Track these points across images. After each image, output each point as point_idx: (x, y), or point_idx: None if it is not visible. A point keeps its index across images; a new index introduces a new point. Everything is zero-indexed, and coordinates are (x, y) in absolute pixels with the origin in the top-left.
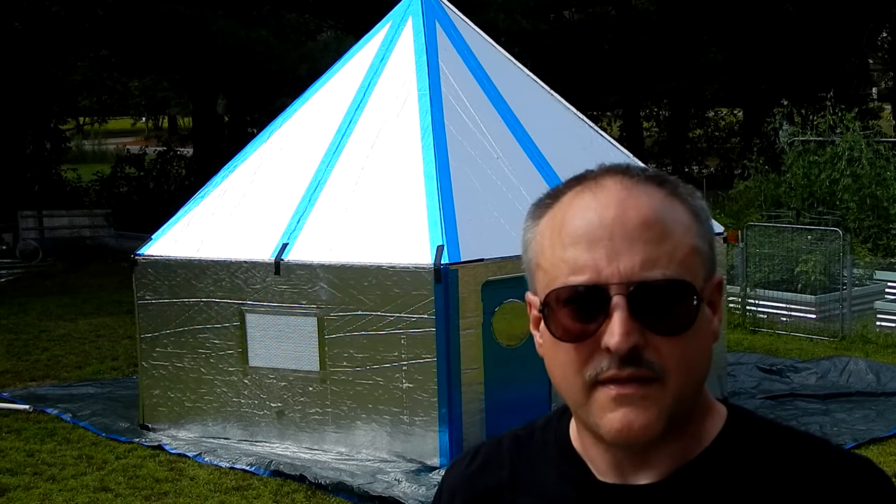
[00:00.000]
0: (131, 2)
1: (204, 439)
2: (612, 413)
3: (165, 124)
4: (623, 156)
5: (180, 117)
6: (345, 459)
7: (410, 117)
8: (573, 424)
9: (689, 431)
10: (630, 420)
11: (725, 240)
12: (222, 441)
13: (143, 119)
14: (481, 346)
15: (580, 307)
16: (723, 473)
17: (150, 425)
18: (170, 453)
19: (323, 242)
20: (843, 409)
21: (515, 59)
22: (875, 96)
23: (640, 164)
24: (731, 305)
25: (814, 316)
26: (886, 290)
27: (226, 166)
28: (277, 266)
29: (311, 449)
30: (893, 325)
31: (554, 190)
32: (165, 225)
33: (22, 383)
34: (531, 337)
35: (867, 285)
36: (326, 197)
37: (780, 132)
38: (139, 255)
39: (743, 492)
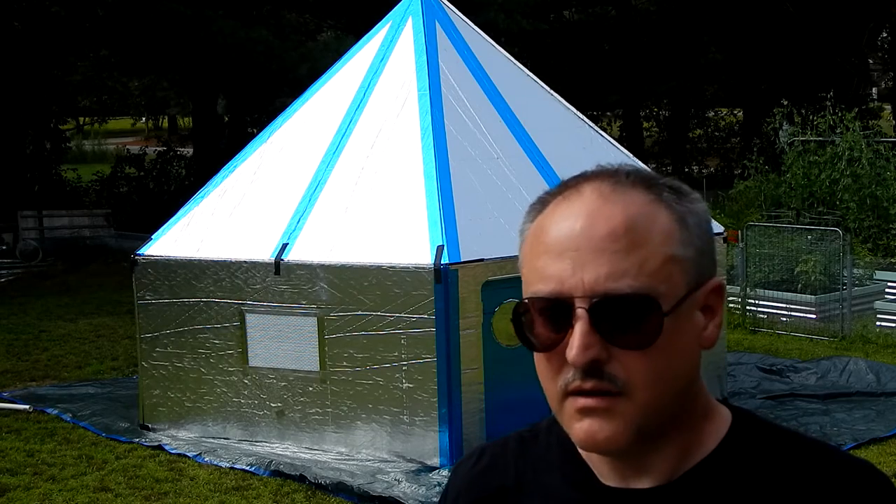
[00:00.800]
0: (131, 2)
1: (204, 439)
2: (578, 423)
3: (165, 124)
4: (623, 156)
5: (180, 117)
6: (345, 459)
7: (410, 117)
8: None
9: (688, 435)
10: (594, 431)
11: (725, 240)
12: (222, 441)
13: (143, 119)
14: (481, 346)
15: (549, 317)
16: (726, 478)
17: (150, 425)
18: (170, 453)
19: (323, 242)
20: (843, 409)
21: (515, 59)
22: (875, 96)
23: (640, 164)
24: (731, 305)
25: (814, 316)
26: (886, 290)
27: (226, 166)
28: (277, 266)
29: (311, 449)
30: (893, 325)
31: (546, 194)
32: (165, 225)
33: (22, 383)
34: None
35: (867, 285)
36: (326, 197)
37: (780, 132)
38: (139, 255)
39: (747, 497)
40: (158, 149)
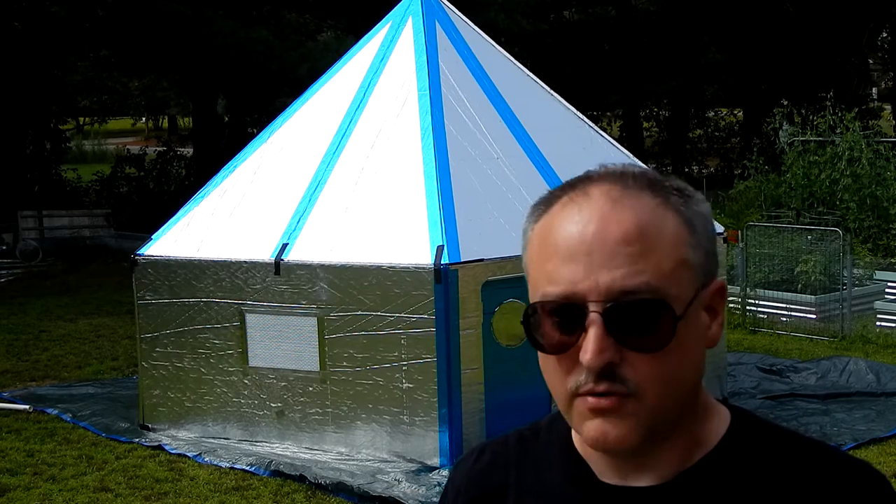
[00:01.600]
0: (131, 2)
1: (204, 439)
2: (589, 422)
3: (165, 124)
4: (623, 156)
5: (180, 117)
6: (345, 459)
7: (410, 117)
8: None
9: (688, 434)
10: (605, 430)
11: (725, 240)
12: (222, 441)
13: (143, 119)
14: (481, 346)
15: (560, 320)
16: (725, 477)
17: (150, 425)
18: (170, 453)
19: (323, 242)
20: (843, 409)
21: (515, 59)
22: (875, 96)
23: (640, 164)
24: (732, 305)
25: (814, 316)
26: (886, 290)
27: (226, 166)
28: (277, 266)
29: (311, 449)
30: (893, 325)
31: (549, 194)
32: (165, 225)
33: (22, 383)
34: None
35: (867, 285)
36: (326, 197)
37: (780, 132)
38: (139, 255)
39: (745, 496)
40: (158, 149)
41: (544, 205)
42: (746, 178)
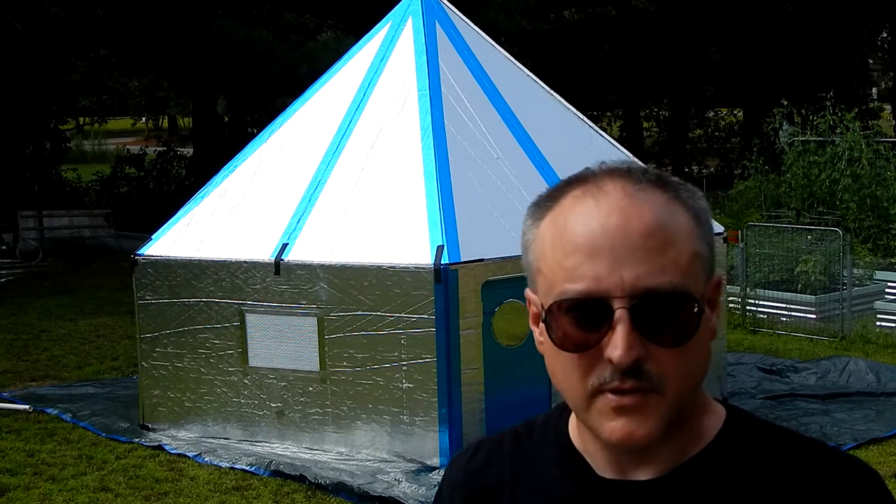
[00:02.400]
0: (131, 2)
1: (204, 439)
2: (612, 422)
3: (165, 124)
4: (623, 156)
5: (180, 117)
6: (345, 459)
7: (410, 117)
8: (572, 421)
9: (686, 429)
10: (631, 430)
11: (725, 240)
12: (222, 441)
13: (143, 119)
14: (481, 346)
15: (582, 317)
16: (721, 471)
17: (150, 425)
18: (170, 453)
19: (323, 242)
20: (843, 409)
21: (515, 59)
22: (875, 96)
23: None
24: (731, 305)
25: (814, 316)
26: (886, 290)
27: (226, 166)
28: (277, 266)
29: (311, 449)
30: (893, 325)
31: (554, 190)
32: (165, 225)
33: (22, 383)
34: (531, 337)
35: (867, 285)
36: (326, 197)
37: (780, 132)
38: (139, 255)
39: (740, 489)
40: (158, 149)
41: (550, 201)
42: (746, 178)
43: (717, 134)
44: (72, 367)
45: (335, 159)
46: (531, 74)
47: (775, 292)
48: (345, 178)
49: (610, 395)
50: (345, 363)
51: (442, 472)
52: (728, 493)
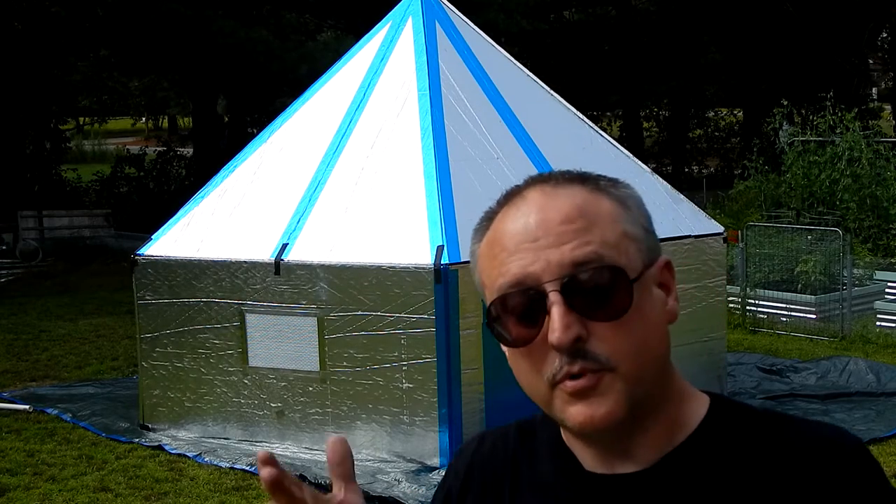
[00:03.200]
0: (131, 2)
1: (204, 439)
2: (572, 407)
3: (165, 124)
4: (623, 156)
5: (180, 117)
6: None
7: (410, 117)
8: None
9: (669, 419)
10: (591, 412)
11: (725, 240)
12: (222, 441)
13: (143, 119)
14: (481, 346)
15: (522, 312)
16: (707, 459)
17: (150, 425)
18: (170, 453)
19: (323, 242)
20: (843, 410)
21: (515, 59)
22: (875, 96)
23: (639, 164)
24: (732, 305)
25: (814, 316)
26: (886, 290)
27: (226, 166)
28: (277, 266)
29: (311, 449)
30: (893, 325)
31: (489, 211)
32: (165, 225)
33: (22, 383)
34: None
35: (867, 285)
36: (326, 197)
37: (780, 132)
38: (139, 255)
39: (726, 476)
40: (158, 149)
41: (486, 221)
42: (746, 178)
43: (717, 134)
44: (72, 367)
45: (335, 159)
46: (531, 74)
47: (775, 292)
48: (345, 178)
49: (568, 383)
50: (345, 363)
51: (442, 472)
52: (714, 480)
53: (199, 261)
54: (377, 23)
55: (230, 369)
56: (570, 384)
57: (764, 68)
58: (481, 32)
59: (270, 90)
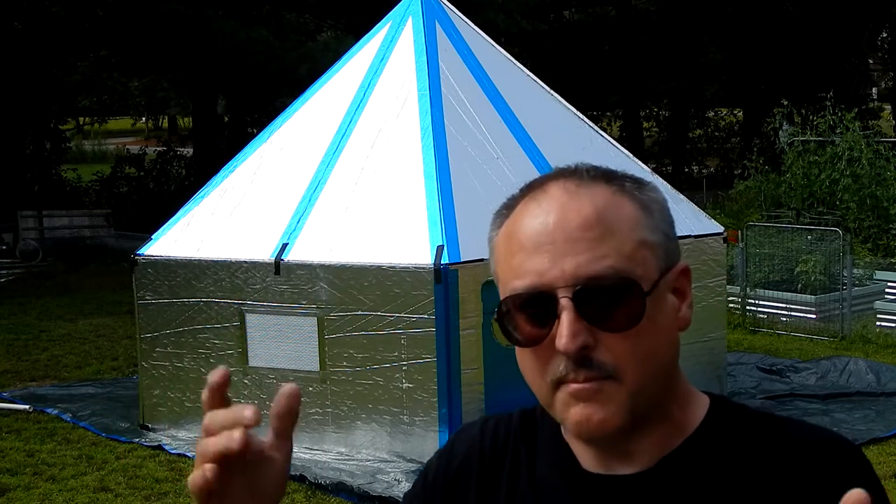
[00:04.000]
0: (131, 2)
1: None
2: (572, 409)
3: (165, 124)
4: (623, 156)
5: (180, 117)
6: (345, 459)
7: (410, 117)
8: None
9: (669, 421)
10: (588, 414)
11: (725, 240)
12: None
13: (143, 119)
14: (481, 346)
15: (532, 313)
16: (706, 461)
17: (150, 425)
18: (170, 453)
19: (323, 242)
20: (843, 409)
21: (515, 59)
22: (875, 96)
23: (640, 164)
24: (732, 305)
25: (814, 316)
26: (886, 290)
27: (226, 166)
28: (277, 266)
29: (311, 449)
30: (893, 325)
31: (510, 199)
32: (165, 225)
33: (22, 383)
34: None
35: (867, 285)
36: (326, 197)
37: (780, 132)
38: (139, 255)
39: (725, 478)
40: (158, 149)
41: (506, 209)
42: (746, 178)
43: (717, 134)
44: (72, 367)
45: (335, 159)
46: (531, 74)
47: (775, 292)
48: (345, 178)
49: (571, 385)
50: (345, 363)
51: None
52: (713, 482)
53: (199, 261)
54: (377, 23)
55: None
56: (572, 386)
57: (764, 68)
58: (481, 32)
59: (270, 90)
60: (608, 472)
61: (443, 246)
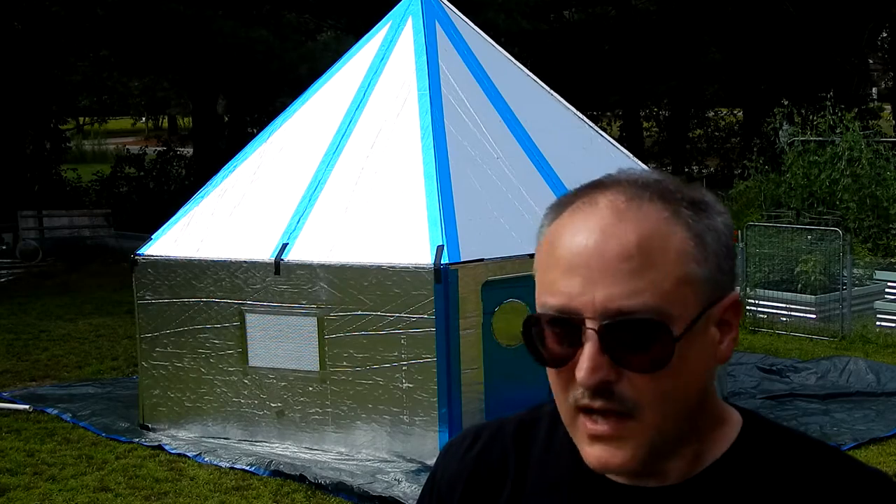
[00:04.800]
0: (131, 2)
1: (204, 439)
2: (589, 447)
3: (165, 124)
4: (623, 156)
5: (180, 117)
6: (345, 459)
7: (410, 117)
8: None
9: (700, 440)
10: (606, 458)
11: None
12: (222, 441)
13: (143, 119)
14: (481, 346)
15: (558, 333)
16: (735, 481)
17: (150, 425)
18: (170, 453)
19: (323, 242)
20: (843, 409)
21: (515, 59)
22: (875, 96)
23: (640, 164)
24: None
25: (814, 316)
26: (886, 290)
27: (226, 166)
28: (277, 266)
29: (311, 449)
30: (893, 325)
31: (564, 198)
32: (165, 225)
33: (22, 383)
34: None
35: (867, 285)
36: (326, 197)
37: (780, 132)
38: (139, 255)
39: (756, 500)
40: (158, 149)
41: (559, 207)
42: (746, 178)
43: (717, 134)
44: (72, 367)
45: (335, 159)
46: (531, 74)
47: (775, 292)
48: (345, 178)
49: (588, 424)
50: (345, 363)
51: None
52: (743, 502)
53: (199, 261)
54: (377, 23)
55: (230, 369)
56: (590, 427)
57: (764, 68)
58: (481, 32)
59: (270, 90)
60: (635, 483)
61: (443, 246)
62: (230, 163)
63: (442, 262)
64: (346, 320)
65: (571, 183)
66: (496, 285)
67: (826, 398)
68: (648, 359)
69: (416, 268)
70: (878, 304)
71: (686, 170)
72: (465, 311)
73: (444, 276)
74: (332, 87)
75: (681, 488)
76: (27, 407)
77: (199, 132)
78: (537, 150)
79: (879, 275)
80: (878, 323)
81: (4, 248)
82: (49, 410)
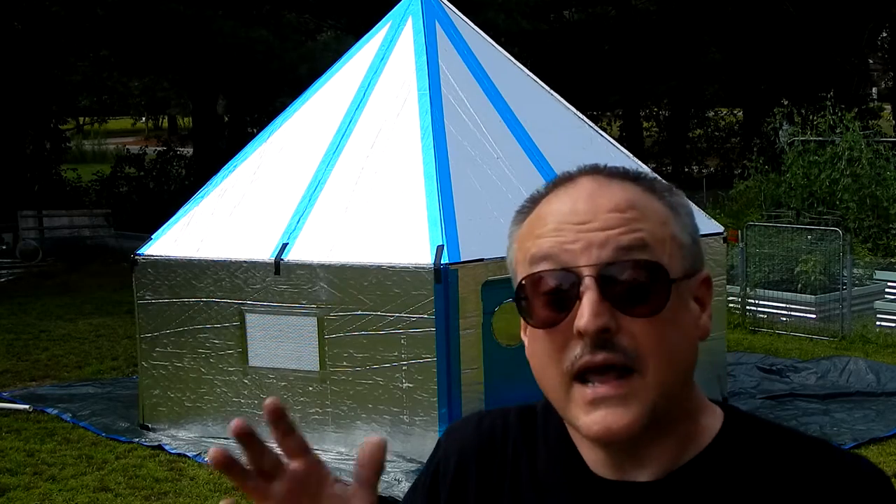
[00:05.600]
0: (131, 2)
1: (204, 439)
2: (589, 416)
3: (165, 124)
4: (623, 156)
5: (180, 117)
6: (345, 459)
7: (410, 117)
8: None
9: (684, 430)
10: (609, 422)
11: (725, 240)
12: (222, 441)
13: (143, 119)
14: (481, 346)
15: (553, 294)
16: (722, 473)
17: (150, 425)
18: (170, 453)
19: (323, 242)
20: (843, 409)
21: (515, 59)
22: (875, 96)
23: (640, 164)
24: (731, 305)
25: (814, 316)
26: (886, 290)
27: (226, 166)
28: (277, 266)
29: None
30: (893, 325)
31: (535, 194)
32: (165, 225)
33: (22, 383)
34: None
35: (867, 285)
36: (326, 197)
37: (780, 132)
38: (139, 255)
39: (741, 491)
40: (158, 149)
41: (531, 203)
42: (746, 178)
43: (717, 134)
44: (72, 367)
45: (335, 159)
46: (531, 74)
47: (775, 292)
48: (345, 178)
49: (588, 390)
50: (345, 363)
51: None
52: (729, 495)
53: (199, 261)
54: (377, 23)
55: (230, 369)
56: (590, 391)
57: (764, 68)
58: (481, 32)
59: (270, 90)
60: (618, 477)
61: (443, 246)
62: (230, 163)
63: (442, 262)
64: (346, 320)
65: None
66: (496, 285)
67: (826, 398)
68: (648, 302)
69: (416, 268)
70: (878, 304)
71: (686, 170)
72: (465, 311)
73: (444, 275)
74: (331, 87)
75: (667, 481)
76: (27, 407)
77: (199, 132)
78: (537, 150)
79: (879, 275)
80: (878, 323)
81: (4, 248)
82: (49, 410)
